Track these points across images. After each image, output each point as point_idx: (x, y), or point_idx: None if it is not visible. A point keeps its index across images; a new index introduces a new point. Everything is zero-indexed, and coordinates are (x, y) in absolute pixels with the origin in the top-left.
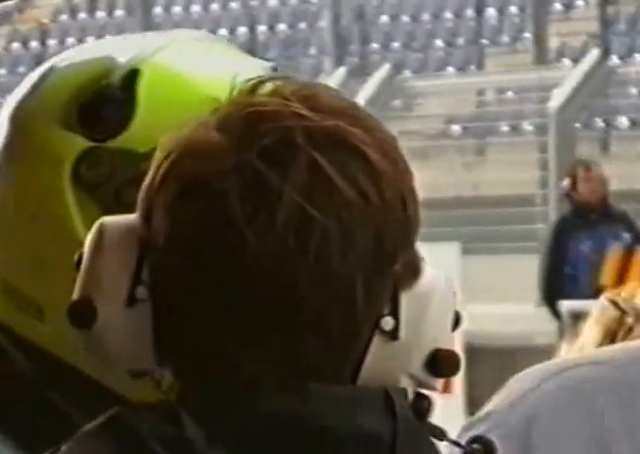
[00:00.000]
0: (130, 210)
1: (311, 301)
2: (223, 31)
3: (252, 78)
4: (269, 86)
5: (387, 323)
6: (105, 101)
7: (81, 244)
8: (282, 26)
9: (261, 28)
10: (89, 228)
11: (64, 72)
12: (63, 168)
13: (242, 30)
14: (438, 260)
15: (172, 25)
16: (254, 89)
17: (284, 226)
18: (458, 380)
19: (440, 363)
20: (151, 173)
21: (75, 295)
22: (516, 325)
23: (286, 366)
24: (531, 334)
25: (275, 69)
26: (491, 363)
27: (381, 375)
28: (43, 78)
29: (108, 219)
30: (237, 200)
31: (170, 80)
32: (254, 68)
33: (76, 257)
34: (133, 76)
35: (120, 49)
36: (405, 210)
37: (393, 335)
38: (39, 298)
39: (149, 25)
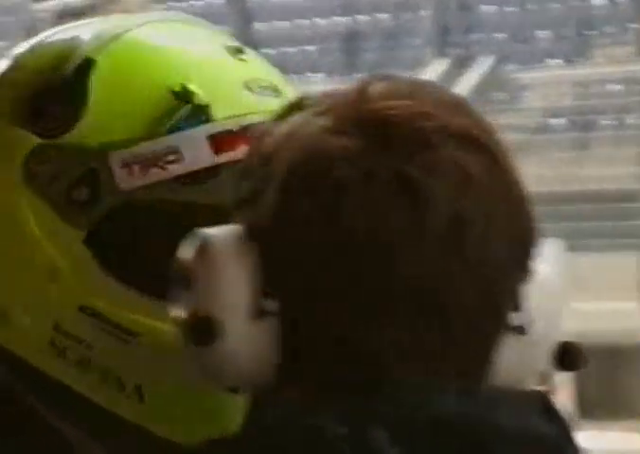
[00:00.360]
0: (80, 209)
1: (464, 302)
2: (323, 22)
3: (363, 79)
4: (378, 85)
5: (515, 318)
6: (54, 96)
7: (35, 244)
8: (384, 16)
9: (363, 18)
10: (42, 229)
11: (24, 57)
12: (15, 166)
13: (343, 20)
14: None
15: (269, 14)
16: (364, 89)
17: (438, 228)
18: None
19: (572, 356)
20: (266, 183)
21: (192, 312)
22: (618, 323)
23: (444, 367)
24: (634, 332)
25: (239, 50)
26: (595, 361)
27: (510, 372)
28: (9, 61)
29: (210, 232)
30: (386, 204)
31: (125, 72)
32: (220, 51)
33: (178, 274)
34: (86, 66)
35: (88, 32)
36: (529, 207)
37: (522, 330)
38: (1, 300)
39: (245, 14)
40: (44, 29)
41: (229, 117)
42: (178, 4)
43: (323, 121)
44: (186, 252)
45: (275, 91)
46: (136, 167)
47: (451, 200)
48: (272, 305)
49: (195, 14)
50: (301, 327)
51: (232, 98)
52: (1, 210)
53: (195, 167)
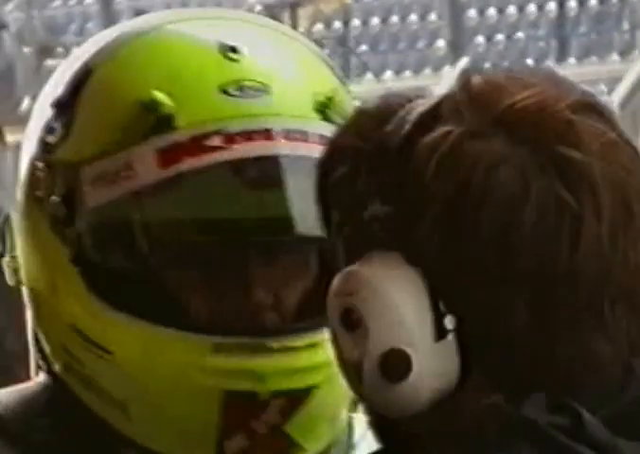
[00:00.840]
0: (63, 227)
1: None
2: (532, 7)
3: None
4: (479, 81)
5: None
6: (58, 106)
7: (39, 261)
8: (592, 2)
9: (571, 5)
10: (45, 245)
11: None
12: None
13: (552, 6)
14: None
15: (478, 2)
16: (468, 88)
17: (611, 206)
18: None
19: None
20: (419, 206)
21: (374, 350)
22: None
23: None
24: None
25: (233, 49)
26: None
27: None
28: None
29: (366, 268)
30: (556, 199)
31: (109, 83)
32: (212, 51)
33: (339, 313)
34: (85, 75)
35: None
36: None
37: None
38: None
39: (456, 4)
40: None
41: (192, 125)
42: None
43: (451, 128)
44: (343, 292)
45: (264, 91)
46: (100, 184)
47: (611, 171)
48: (450, 322)
49: (403, 6)
50: (485, 337)
51: (201, 105)
52: (25, 229)
53: (146, 182)
